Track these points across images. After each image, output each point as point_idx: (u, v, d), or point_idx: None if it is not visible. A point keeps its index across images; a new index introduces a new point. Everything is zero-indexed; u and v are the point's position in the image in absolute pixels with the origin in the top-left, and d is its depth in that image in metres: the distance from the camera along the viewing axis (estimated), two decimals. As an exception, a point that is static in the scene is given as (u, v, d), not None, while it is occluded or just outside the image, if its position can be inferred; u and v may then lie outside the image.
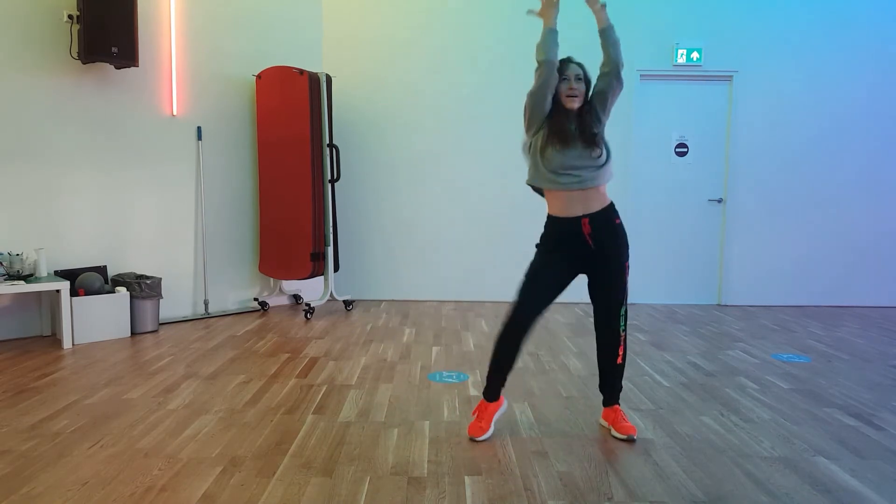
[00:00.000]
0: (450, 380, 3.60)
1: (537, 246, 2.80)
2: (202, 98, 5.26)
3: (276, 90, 5.34)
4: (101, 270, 4.72)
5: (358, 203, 6.15)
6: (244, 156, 5.56)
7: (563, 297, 6.20)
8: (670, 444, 2.73)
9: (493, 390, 2.80)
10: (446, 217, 6.12)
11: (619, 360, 2.80)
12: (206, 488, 2.27)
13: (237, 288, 5.59)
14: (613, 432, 2.80)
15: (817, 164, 6.08)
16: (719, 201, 6.14)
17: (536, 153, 2.72)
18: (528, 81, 6.14)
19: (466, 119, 6.09)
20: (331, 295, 5.51)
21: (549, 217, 2.78)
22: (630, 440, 2.75)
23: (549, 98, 2.71)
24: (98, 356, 4.04)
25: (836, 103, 6.03)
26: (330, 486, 2.31)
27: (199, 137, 5.26)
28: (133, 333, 4.63)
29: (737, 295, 6.16)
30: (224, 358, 4.03)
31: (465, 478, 2.38)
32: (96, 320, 4.40)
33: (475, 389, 3.44)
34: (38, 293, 4.56)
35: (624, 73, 2.78)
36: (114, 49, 4.44)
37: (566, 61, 2.76)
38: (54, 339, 4.47)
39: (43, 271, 4.35)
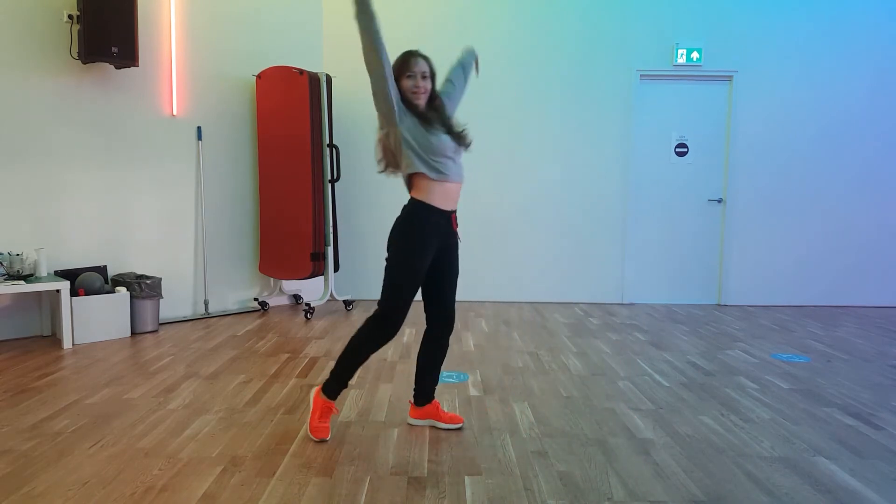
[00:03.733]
0: (450, 380, 3.60)
1: (403, 240, 2.60)
2: (202, 98, 5.26)
3: (277, 90, 5.34)
4: (102, 270, 4.72)
5: (358, 203, 6.15)
6: (244, 156, 5.56)
7: (563, 297, 6.13)
8: (670, 443, 2.73)
9: (339, 390, 2.75)
10: (446, 217, 6.12)
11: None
12: (206, 488, 2.28)
13: (237, 288, 5.59)
14: (441, 424, 2.85)
15: (817, 164, 6.08)
16: (719, 201, 6.14)
17: (418, 139, 2.56)
18: (528, 81, 6.16)
19: (466, 119, 6.05)
20: (331, 295, 5.51)
21: (427, 207, 2.59)
22: (459, 428, 2.84)
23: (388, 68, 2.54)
24: (98, 356, 4.04)
25: (835, 103, 6.03)
26: (330, 486, 2.31)
27: (200, 137, 5.26)
28: (133, 333, 4.63)
29: (736, 295, 6.17)
30: (224, 358, 4.03)
31: (465, 478, 2.39)
32: (96, 320, 4.40)
33: (475, 389, 3.44)
34: (39, 293, 4.56)
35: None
36: (114, 49, 4.44)
37: (412, 54, 2.62)
38: (54, 339, 4.48)
39: (43, 271, 4.35)
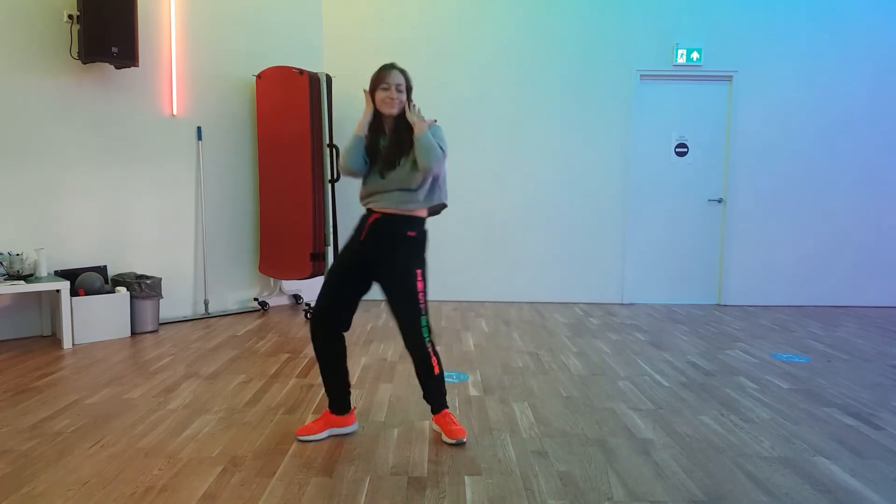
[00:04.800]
0: (450, 380, 3.60)
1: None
2: (202, 98, 5.26)
3: (277, 90, 5.34)
4: (101, 270, 4.72)
5: (358, 203, 6.13)
6: (244, 156, 5.56)
7: (563, 297, 6.15)
8: (670, 443, 2.73)
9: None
10: (446, 217, 6.12)
11: (436, 371, 2.73)
12: (206, 488, 2.28)
13: (237, 288, 5.59)
14: (444, 437, 2.71)
15: (817, 164, 6.08)
16: (719, 201, 6.14)
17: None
18: (528, 81, 6.16)
19: (466, 119, 6.09)
20: (331, 295, 5.50)
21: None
22: (460, 443, 2.68)
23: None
24: (98, 356, 4.04)
25: (835, 103, 6.03)
26: (330, 485, 2.31)
27: (200, 137, 5.26)
28: (133, 333, 4.63)
29: (736, 295, 6.16)
30: (224, 358, 4.03)
31: (465, 478, 2.39)
32: (96, 320, 4.40)
33: (475, 389, 3.44)
34: (39, 293, 4.56)
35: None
36: (114, 49, 4.44)
37: (387, 67, 2.68)
38: (54, 339, 4.47)
39: (43, 271, 4.35)
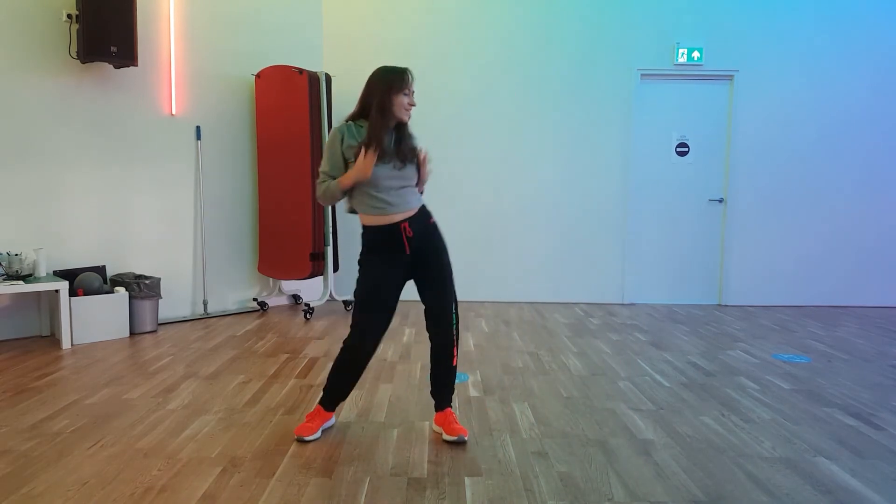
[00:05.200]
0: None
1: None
2: (201, 97, 5.26)
3: (276, 89, 5.33)
4: (100, 270, 4.71)
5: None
6: (243, 155, 5.55)
7: (563, 297, 6.15)
8: (670, 444, 2.72)
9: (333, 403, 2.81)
10: (446, 217, 6.11)
11: (454, 362, 2.77)
12: (205, 488, 2.27)
13: (236, 288, 5.58)
14: (445, 436, 2.71)
15: (818, 163, 6.07)
16: (720, 201, 6.14)
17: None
18: (528, 81, 6.14)
19: (466, 119, 6.08)
20: (330, 295, 5.50)
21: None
22: (461, 441, 2.68)
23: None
24: (97, 356, 4.04)
25: (836, 103, 6.03)
26: (330, 486, 2.31)
27: (199, 137, 5.26)
28: (132, 333, 4.62)
29: (737, 295, 6.16)
30: (224, 358, 4.03)
31: (465, 478, 2.38)
32: (95, 320, 4.39)
33: (475, 389, 3.44)
34: (38, 293, 4.55)
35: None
36: (113, 49, 4.44)
37: (406, 72, 2.61)
38: (53, 340, 4.47)
39: (42, 271, 4.35)
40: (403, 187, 2.64)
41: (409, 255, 2.67)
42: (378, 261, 2.67)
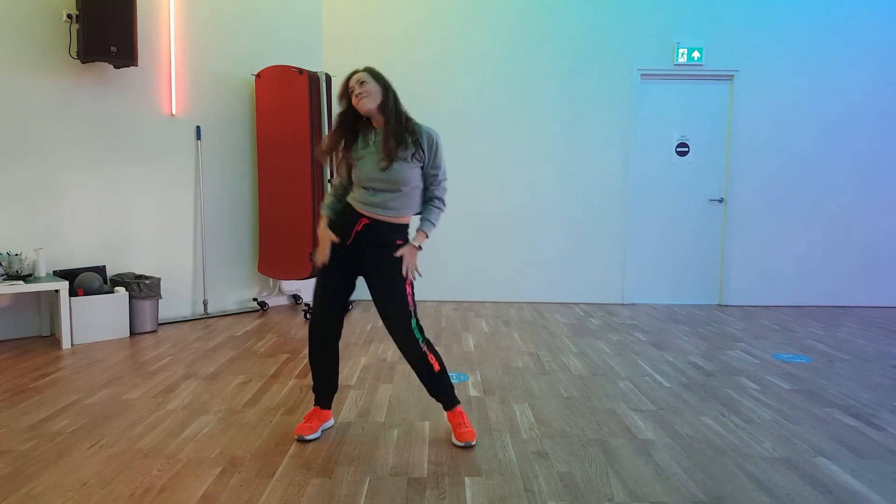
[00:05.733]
0: (451, 380, 3.59)
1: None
2: (201, 97, 5.26)
3: (276, 89, 5.33)
4: (100, 270, 4.71)
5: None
6: (243, 155, 5.55)
7: (563, 297, 6.13)
8: (671, 444, 2.72)
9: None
10: (446, 216, 6.12)
11: (437, 369, 2.70)
12: (205, 489, 2.27)
13: (236, 288, 5.58)
14: (453, 439, 2.70)
15: (818, 163, 6.07)
16: (720, 201, 6.14)
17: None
18: (528, 80, 6.14)
19: (466, 119, 6.08)
20: (330, 295, 5.49)
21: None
22: (468, 447, 2.65)
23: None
24: (97, 356, 4.03)
25: (836, 103, 6.03)
26: (330, 486, 2.30)
27: (199, 137, 5.26)
28: (132, 334, 4.62)
29: (737, 295, 6.16)
30: (223, 358, 4.03)
31: (465, 478, 2.38)
32: (95, 320, 4.39)
33: (475, 390, 3.44)
34: (38, 293, 4.55)
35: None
36: (113, 48, 4.43)
37: (350, 75, 2.75)
38: (53, 340, 4.47)
39: (42, 271, 4.35)
40: (384, 191, 2.61)
41: (351, 248, 2.65)
42: (336, 243, 2.68)
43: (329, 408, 2.85)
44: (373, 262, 2.65)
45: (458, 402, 2.78)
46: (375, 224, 2.63)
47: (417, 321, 2.66)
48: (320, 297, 2.69)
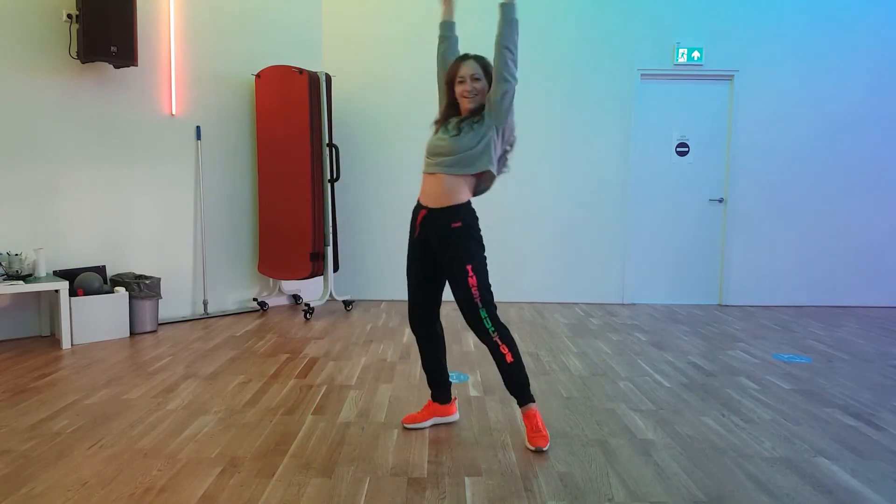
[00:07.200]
0: (452, 380, 3.58)
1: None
2: (201, 97, 5.26)
3: (276, 89, 5.33)
4: (100, 270, 4.71)
5: (358, 203, 6.14)
6: (243, 155, 5.55)
7: (563, 297, 6.13)
8: (671, 444, 2.72)
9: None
10: (446, 217, 6.11)
11: (509, 360, 2.65)
12: (205, 489, 2.27)
13: (236, 288, 5.58)
14: (525, 442, 2.68)
15: (818, 163, 6.07)
16: (720, 201, 6.13)
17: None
18: (529, 81, 6.13)
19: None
20: (330, 295, 5.50)
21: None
22: (538, 451, 2.62)
23: (442, 68, 2.84)
24: (97, 356, 4.03)
25: (836, 103, 6.03)
26: (330, 486, 2.30)
27: (199, 137, 5.26)
28: (132, 334, 4.62)
29: (737, 295, 6.16)
30: (223, 358, 4.03)
31: (465, 478, 2.38)
32: (95, 320, 4.39)
33: (475, 390, 3.44)
34: (37, 293, 4.55)
35: (518, 71, 2.78)
36: (113, 48, 4.43)
37: (463, 58, 2.71)
38: (53, 340, 4.47)
39: (42, 271, 4.35)
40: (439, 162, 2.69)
41: (420, 239, 2.74)
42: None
43: (442, 401, 2.89)
44: (437, 253, 2.72)
45: (533, 401, 2.72)
46: (431, 214, 2.69)
47: (490, 312, 2.61)
48: (408, 287, 2.82)
